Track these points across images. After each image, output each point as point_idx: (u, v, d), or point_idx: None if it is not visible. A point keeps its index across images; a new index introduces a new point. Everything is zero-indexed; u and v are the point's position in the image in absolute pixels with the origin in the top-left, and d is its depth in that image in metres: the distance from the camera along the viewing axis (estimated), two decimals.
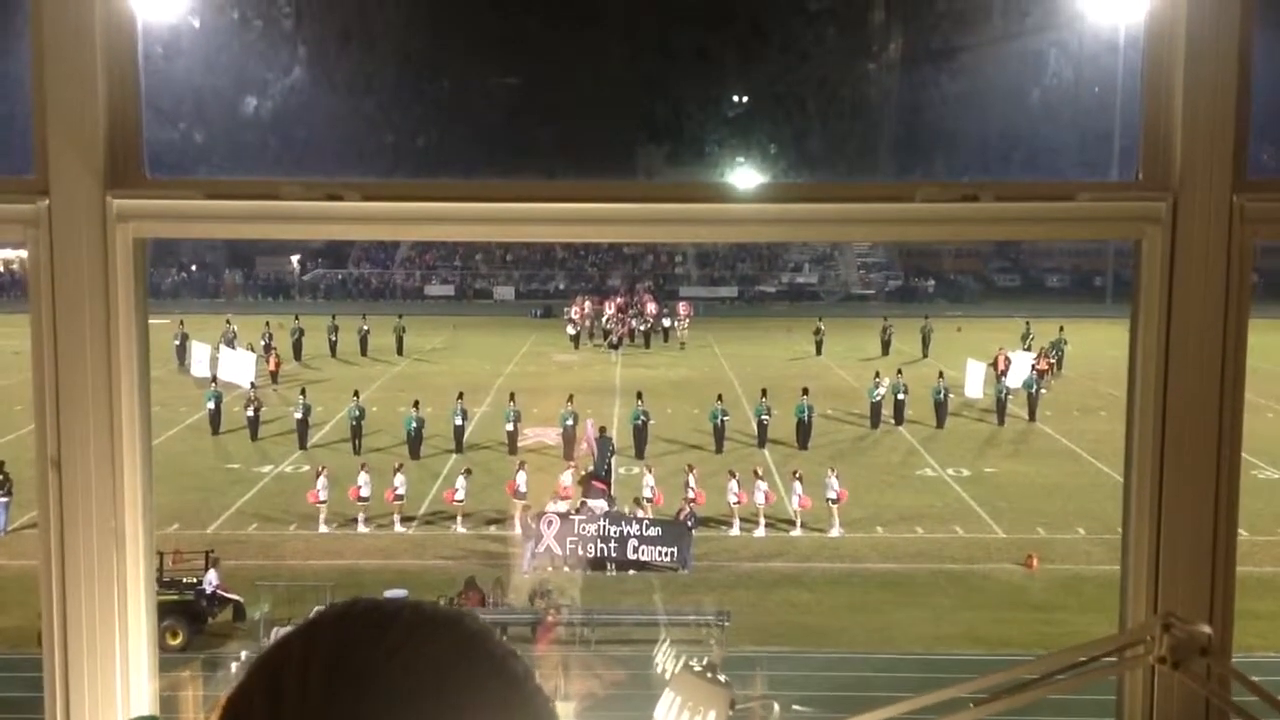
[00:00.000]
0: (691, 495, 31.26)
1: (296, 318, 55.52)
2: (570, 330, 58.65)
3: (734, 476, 31.88)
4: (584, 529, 28.66)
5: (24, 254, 3.11)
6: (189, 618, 24.40)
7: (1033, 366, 44.71)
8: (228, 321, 53.20)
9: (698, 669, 3.12)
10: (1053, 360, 49.55)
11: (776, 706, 3.23)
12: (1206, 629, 2.92)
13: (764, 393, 39.98)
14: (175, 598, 24.23)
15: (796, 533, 31.10)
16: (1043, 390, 44.18)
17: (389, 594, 20.05)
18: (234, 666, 22.76)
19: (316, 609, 1.45)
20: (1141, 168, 3.30)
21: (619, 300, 62.76)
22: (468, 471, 33.06)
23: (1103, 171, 3.51)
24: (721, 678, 3.11)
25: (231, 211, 3.14)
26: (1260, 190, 3.25)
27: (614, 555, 28.41)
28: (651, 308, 61.53)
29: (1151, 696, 3.31)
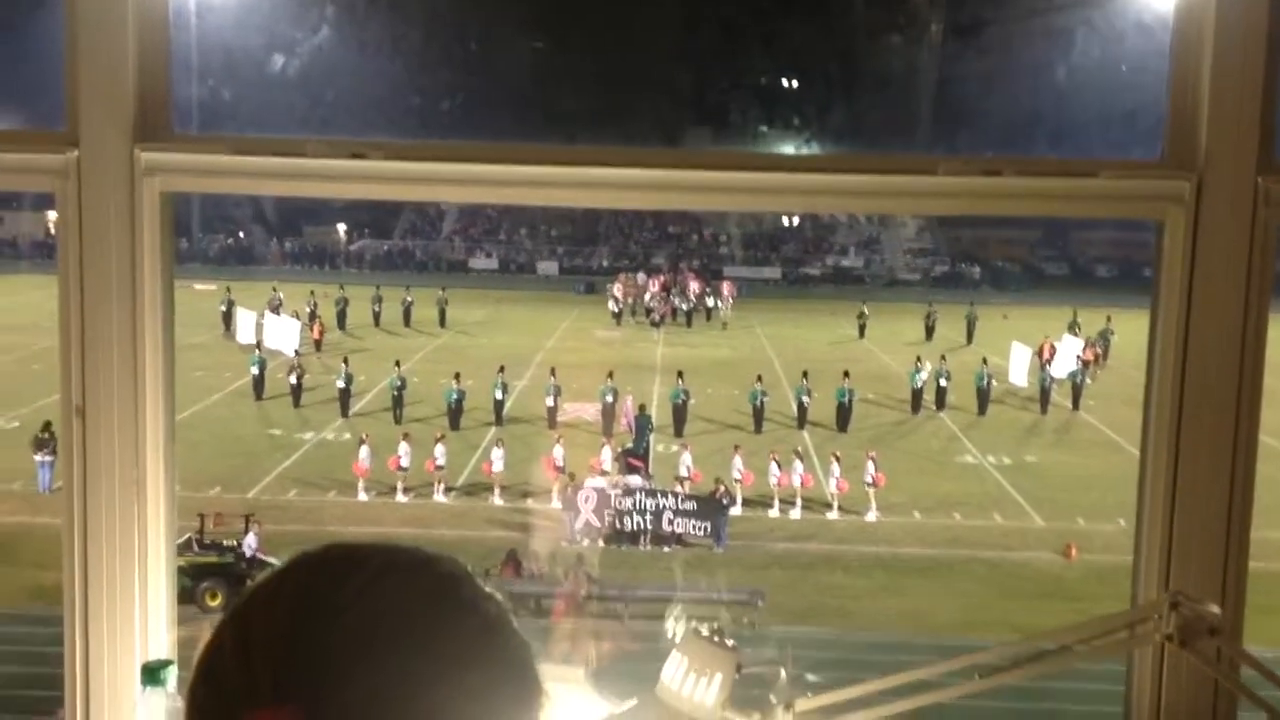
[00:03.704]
0: (738, 476, 31.31)
1: (341, 287, 55.87)
2: (613, 307, 58.64)
3: (774, 457, 31.89)
4: (620, 503, 28.80)
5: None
6: (228, 580, 24.69)
7: (1078, 356, 44.31)
8: (274, 289, 53.58)
9: (705, 633, 3.14)
10: (1099, 350, 49.10)
11: (783, 672, 3.25)
12: (1215, 609, 2.92)
13: (805, 375, 39.88)
14: (215, 560, 24.56)
15: (833, 515, 31.08)
16: (1087, 380, 43.82)
17: None
18: None
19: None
20: (1166, 147, 3.29)
21: (662, 278, 62.67)
22: (500, 442, 33.27)
23: (1125, 150, 3.50)
24: (729, 642, 3.13)
25: (256, 168, 3.19)
26: None
27: (649, 528, 28.55)
28: (695, 287, 61.38)
29: (1160, 674, 3.32)
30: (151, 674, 2.85)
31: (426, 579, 1.42)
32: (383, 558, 1.42)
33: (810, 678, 3.57)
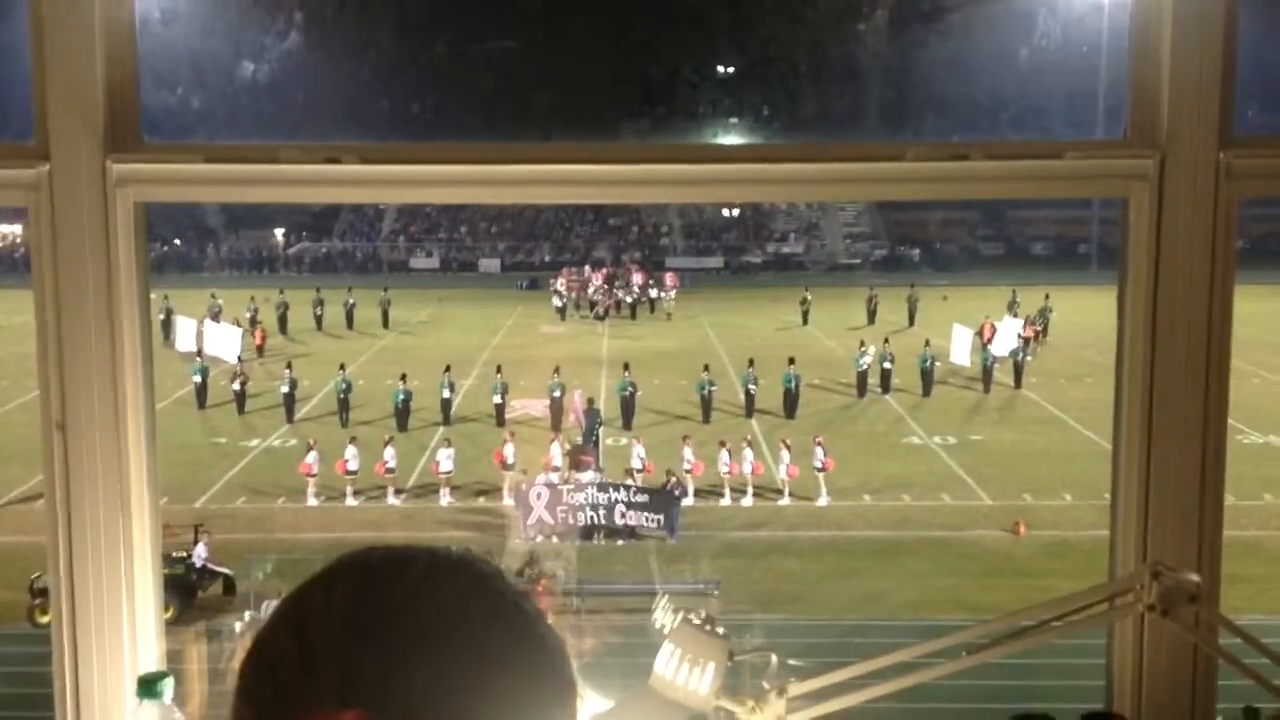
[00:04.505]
0: (688, 466, 31.39)
1: (281, 291, 55.41)
2: (556, 302, 58.64)
3: (724, 446, 31.99)
4: (572, 498, 28.79)
5: (19, 229, 3.16)
6: (179, 591, 24.43)
7: (1018, 334, 44.81)
8: (213, 295, 53.04)
9: (696, 621, 3.17)
10: (1039, 328, 49.67)
11: (774, 658, 3.29)
12: (1195, 577, 2.97)
13: (751, 363, 40.06)
14: (165, 572, 24.00)
15: (784, 501, 31.23)
16: (1029, 357, 44.33)
17: None
18: (238, 627, 22.97)
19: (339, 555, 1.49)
20: (1129, 125, 3.35)
21: (605, 271, 62.75)
22: (448, 442, 33.15)
23: (1088, 131, 3.56)
24: (720, 630, 3.16)
25: (230, 175, 3.18)
26: (1246, 147, 3.30)
27: (603, 522, 28.55)
28: (638, 279, 61.51)
29: (1141, 644, 3.38)
30: (148, 686, 2.83)
31: (471, 578, 1.44)
32: (426, 558, 1.44)
33: (793, 662, 3.61)
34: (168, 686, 2.82)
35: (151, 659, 3.26)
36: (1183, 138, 3.27)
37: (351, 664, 1.33)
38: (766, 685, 3.20)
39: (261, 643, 1.41)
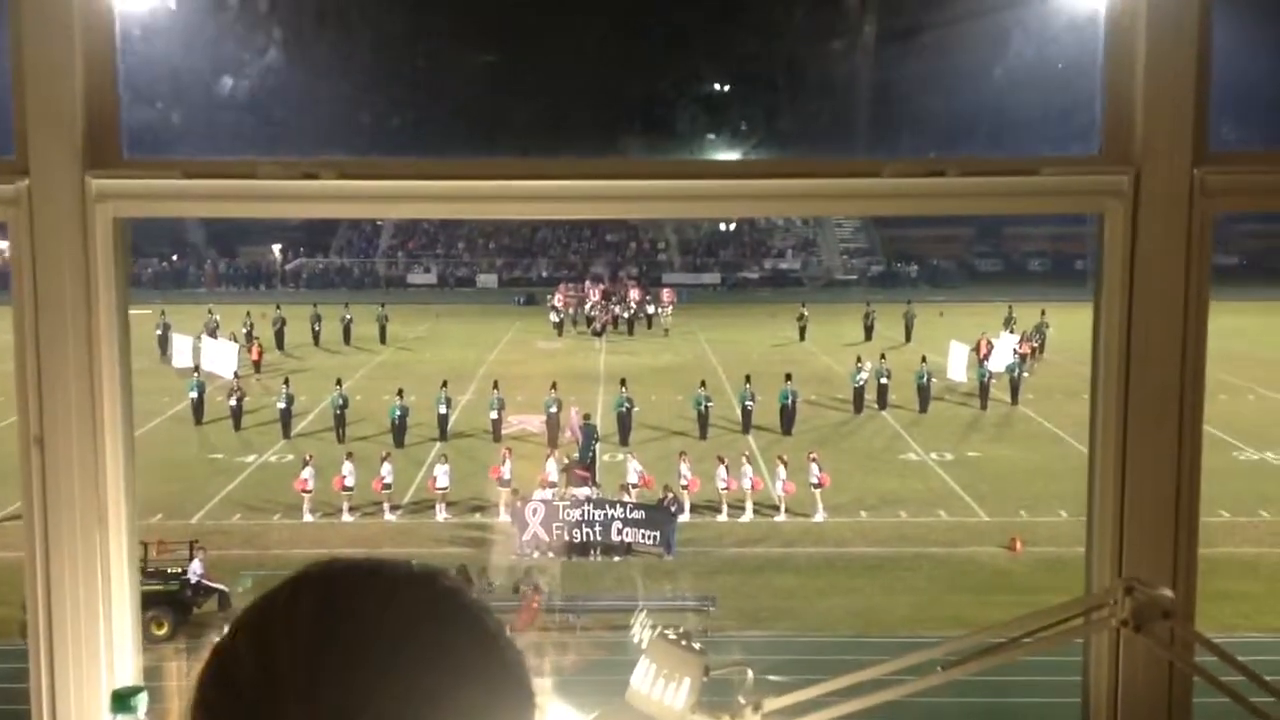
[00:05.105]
0: (685, 482, 31.34)
1: (278, 307, 55.39)
2: (553, 318, 58.66)
3: (722, 462, 31.94)
4: (568, 514, 28.74)
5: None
6: (174, 608, 24.38)
7: (1015, 350, 44.79)
8: (210, 311, 53.02)
9: (672, 637, 3.16)
10: (1035, 344, 49.66)
11: (750, 673, 3.29)
12: (1168, 592, 2.98)
13: (748, 379, 40.03)
14: (160, 588, 24.19)
15: (780, 518, 31.17)
16: (1025, 374, 44.30)
17: None
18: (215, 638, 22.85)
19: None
20: (1104, 142, 3.36)
21: (602, 287, 62.84)
22: (444, 458, 33.09)
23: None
24: (696, 645, 3.15)
25: (209, 191, 3.19)
26: (1221, 163, 3.32)
27: (598, 539, 28.49)
28: (635, 295, 61.57)
29: (1116, 660, 3.38)
30: (122, 701, 2.84)
31: (434, 592, 1.45)
32: (389, 571, 1.45)
33: (773, 678, 3.61)
34: (142, 701, 2.82)
35: (128, 674, 3.26)
36: (1157, 154, 3.29)
37: (314, 675, 1.34)
38: (742, 700, 3.20)
39: (222, 654, 1.41)
